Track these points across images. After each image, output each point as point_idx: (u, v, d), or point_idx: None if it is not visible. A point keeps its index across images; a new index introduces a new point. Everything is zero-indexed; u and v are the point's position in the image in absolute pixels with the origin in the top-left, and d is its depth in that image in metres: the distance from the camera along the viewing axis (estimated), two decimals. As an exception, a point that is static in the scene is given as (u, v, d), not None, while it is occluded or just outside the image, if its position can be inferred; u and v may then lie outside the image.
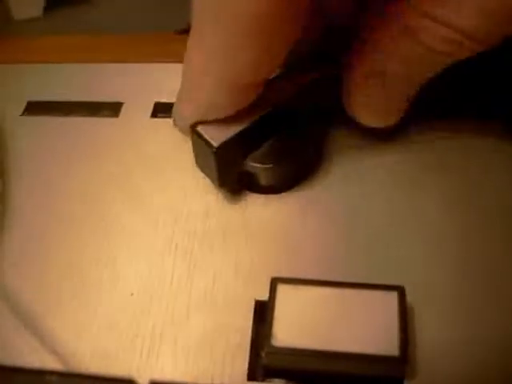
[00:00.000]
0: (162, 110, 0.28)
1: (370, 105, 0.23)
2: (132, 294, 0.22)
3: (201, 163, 0.24)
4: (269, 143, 0.24)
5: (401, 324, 0.19)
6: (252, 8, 0.18)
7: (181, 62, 0.26)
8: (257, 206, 0.24)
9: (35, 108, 0.30)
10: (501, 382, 0.19)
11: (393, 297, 0.19)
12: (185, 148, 0.26)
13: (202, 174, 0.24)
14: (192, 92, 0.21)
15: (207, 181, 0.24)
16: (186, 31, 0.32)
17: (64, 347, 0.21)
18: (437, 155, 0.25)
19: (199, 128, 0.22)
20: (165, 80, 0.29)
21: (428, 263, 0.22)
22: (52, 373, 0.16)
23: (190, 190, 0.25)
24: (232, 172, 0.24)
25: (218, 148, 0.22)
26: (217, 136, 0.22)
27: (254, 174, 0.24)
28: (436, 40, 0.19)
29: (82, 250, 0.24)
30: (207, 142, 0.22)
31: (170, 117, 0.27)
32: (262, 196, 0.24)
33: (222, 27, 0.19)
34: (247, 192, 0.24)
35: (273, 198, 0.24)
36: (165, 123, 0.28)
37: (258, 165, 0.23)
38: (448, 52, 0.20)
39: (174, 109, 0.23)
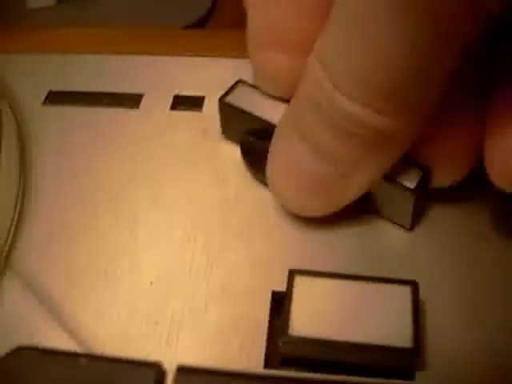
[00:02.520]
0: (180, 102, 0.29)
1: None
2: (151, 283, 0.23)
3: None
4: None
5: (413, 317, 0.19)
6: None
7: (197, 55, 0.27)
8: (275, 201, 0.25)
9: (57, 98, 0.30)
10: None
11: (406, 291, 0.20)
12: (203, 142, 0.26)
13: (220, 168, 0.25)
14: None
15: (225, 174, 0.25)
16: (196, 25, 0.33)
17: (86, 332, 0.22)
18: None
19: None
20: (183, 73, 0.30)
21: (440, 260, 0.23)
22: (84, 355, 0.16)
23: (208, 183, 0.26)
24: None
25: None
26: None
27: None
28: None
29: (103, 239, 0.24)
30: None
31: (187, 110, 0.28)
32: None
33: None
34: (265, 187, 0.25)
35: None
36: (183, 116, 0.28)
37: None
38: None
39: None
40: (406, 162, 0.22)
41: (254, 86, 0.25)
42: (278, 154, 0.23)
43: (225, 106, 0.25)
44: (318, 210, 0.23)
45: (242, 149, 0.25)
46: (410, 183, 0.22)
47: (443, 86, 0.20)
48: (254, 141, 0.25)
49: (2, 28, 0.35)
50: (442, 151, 0.22)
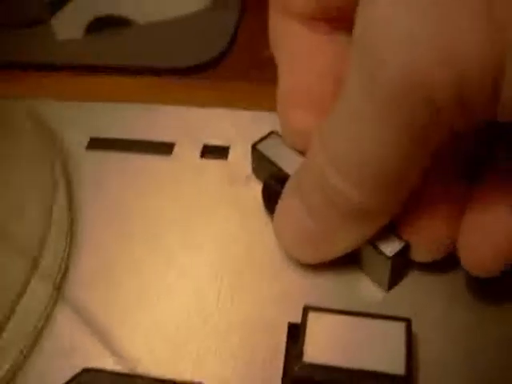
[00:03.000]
0: (209, 151, 0.33)
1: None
2: (188, 315, 0.27)
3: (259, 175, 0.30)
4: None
5: (407, 349, 0.23)
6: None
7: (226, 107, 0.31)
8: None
9: (97, 144, 0.34)
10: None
11: (401, 326, 0.24)
12: (228, 187, 0.30)
13: (244, 214, 0.29)
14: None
15: (249, 221, 0.29)
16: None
17: (129, 354, 0.26)
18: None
19: (259, 146, 0.30)
20: (211, 124, 0.34)
21: (432, 297, 0.27)
22: (140, 377, 0.20)
23: (232, 226, 0.29)
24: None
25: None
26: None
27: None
28: None
29: (142, 273, 0.28)
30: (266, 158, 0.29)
31: (216, 158, 0.32)
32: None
33: None
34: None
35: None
36: (212, 164, 0.32)
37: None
38: None
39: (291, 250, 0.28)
40: (391, 232, 0.26)
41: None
42: (283, 208, 0.27)
43: (255, 152, 0.30)
44: (311, 258, 0.27)
45: (263, 190, 0.29)
46: (390, 251, 0.25)
47: (418, 177, 0.23)
48: (273, 184, 0.29)
49: (44, 71, 0.39)
50: (421, 232, 0.25)
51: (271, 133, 0.30)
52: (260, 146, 0.29)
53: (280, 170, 0.28)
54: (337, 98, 0.23)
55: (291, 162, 0.28)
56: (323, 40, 0.27)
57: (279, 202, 0.27)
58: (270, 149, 0.29)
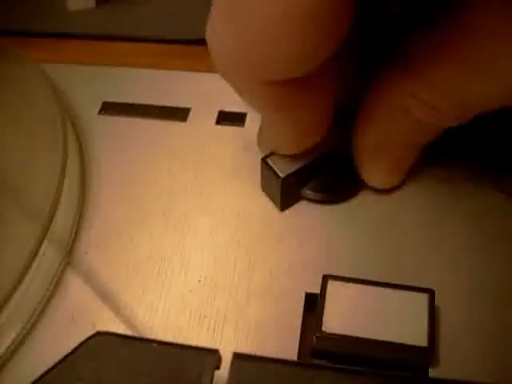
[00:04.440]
0: (224, 118, 0.32)
1: (375, 170, 0.27)
2: (199, 281, 0.26)
3: (266, 189, 0.28)
4: (322, 175, 0.28)
5: (429, 320, 0.22)
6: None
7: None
8: (310, 213, 0.28)
9: (110, 108, 0.33)
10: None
11: (424, 297, 0.23)
12: (245, 155, 0.30)
13: (259, 180, 0.28)
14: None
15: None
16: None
17: (140, 322, 0.25)
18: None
19: (269, 160, 0.27)
20: (228, 90, 0.33)
21: (455, 267, 0.26)
22: (155, 341, 0.19)
23: (249, 192, 0.29)
24: (292, 198, 0.28)
25: (284, 178, 0.26)
26: (283, 168, 0.27)
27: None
28: (423, 115, 0.23)
29: (154, 238, 0.28)
30: (275, 173, 0.26)
31: (231, 125, 0.31)
32: (317, 205, 0.28)
33: None
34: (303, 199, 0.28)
35: (324, 208, 0.28)
36: (227, 130, 0.31)
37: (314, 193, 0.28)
38: (434, 124, 0.24)
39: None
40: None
41: None
42: None
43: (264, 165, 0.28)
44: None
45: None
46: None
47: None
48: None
49: (57, 38, 0.38)
50: None
51: None
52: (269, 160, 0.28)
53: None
54: None
55: None
56: None
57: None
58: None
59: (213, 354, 0.19)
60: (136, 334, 0.24)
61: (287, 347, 0.24)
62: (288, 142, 0.26)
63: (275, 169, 0.27)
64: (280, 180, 0.26)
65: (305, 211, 0.28)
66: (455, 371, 0.23)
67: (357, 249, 0.27)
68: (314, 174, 0.28)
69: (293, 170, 0.27)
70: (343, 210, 0.28)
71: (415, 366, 0.23)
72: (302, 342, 0.24)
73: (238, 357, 0.19)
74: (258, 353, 0.23)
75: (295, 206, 0.28)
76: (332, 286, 0.23)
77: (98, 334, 0.20)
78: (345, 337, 0.22)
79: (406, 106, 0.23)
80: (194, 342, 0.24)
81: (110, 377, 0.19)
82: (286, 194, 0.27)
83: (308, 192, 0.28)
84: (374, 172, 0.27)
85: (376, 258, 0.26)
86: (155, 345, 0.19)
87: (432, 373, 0.23)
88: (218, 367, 0.19)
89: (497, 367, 0.23)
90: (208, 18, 0.21)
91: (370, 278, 0.24)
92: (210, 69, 0.33)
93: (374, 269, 0.26)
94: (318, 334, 0.22)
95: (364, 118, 0.26)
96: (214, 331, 0.25)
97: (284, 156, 0.27)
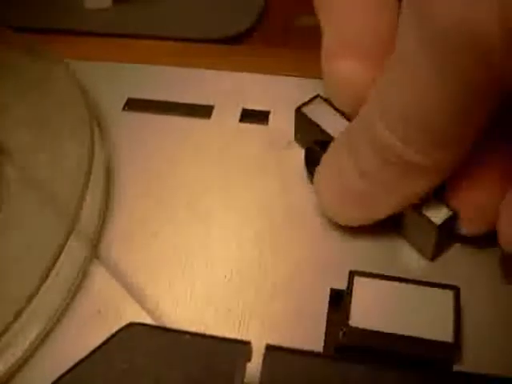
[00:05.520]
0: (248, 115, 0.32)
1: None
2: (225, 276, 0.26)
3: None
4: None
5: (455, 316, 0.23)
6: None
7: (262, 72, 0.30)
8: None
9: (134, 104, 0.34)
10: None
11: (450, 294, 0.23)
12: (268, 153, 0.30)
13: (283, 177, 0.29)
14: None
15: (289, 182, 0.29)
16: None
17: (166, 316, 0.25)
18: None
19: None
20: (251, 89, 0.33)
21: (477, 269, 0.26)
22: (187, 332, 0.20)
23: (274, 190, 0.29)
24: None
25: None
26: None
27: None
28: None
29: (179, 232, 0.28)
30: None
31: (254, 123, 0.31)
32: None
33: None
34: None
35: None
36: (251, 128, 0.32)
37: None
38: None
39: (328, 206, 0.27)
40: (439, 201, 0.25)
41: (330, 103, 0.29)
42: (328, 163, 0.26)
43: (299, 115, 0.29)
44: (353, 220, 0.26)
45: (305, 155, 0.29)
46: (438, 219, 0.25)
47: (475, 134, 0.22)
48: (317, 150, 0.28)
49: (76, 35, 0.38)
50: (469, 202, 0.25)
51: (316, 97, 0.29)
52: (305, 109, 0.29)
53: (325, 133, 0.27)
54: (386, 48, 0.23)
55: (337, 125, 0.27)
56: None
57: (323, 157, 0.27)
58: (314, 112, 0.28)
59: (245, 346, 0.19)
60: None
61: (311, 343, 0.24)
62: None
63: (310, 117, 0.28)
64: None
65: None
66: (479, 368, 0.23)
67: (380, 244, 0.27)
68: None
69: None
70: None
71: (440, 362, 0.23)
72: (326, 337, 0.24)
73: (270, 348, 0.19)
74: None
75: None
76: (358, 281, 0.24)
77: (131, 324, 0.20)
78: (371, 332, 0.23)
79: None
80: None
81: (141, 367, 0.19)
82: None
83: None
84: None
85: (401, 253, 0.26)
86: (188, 336, 0.19)
87: (456, 369, 0.23)
88: (249, 359, 0.19)
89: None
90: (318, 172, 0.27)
91: (394, 274, 0.24)
92: (232, 67, 0.33)
93: (398, 265, 0.26)
94: (344, 329, 0.23)
95: None
96: (239, 325, 0.25)
97: None
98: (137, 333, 0.20)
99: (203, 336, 0.19)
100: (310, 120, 0.28)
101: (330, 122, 0.28)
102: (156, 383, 0.19)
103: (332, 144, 0.26)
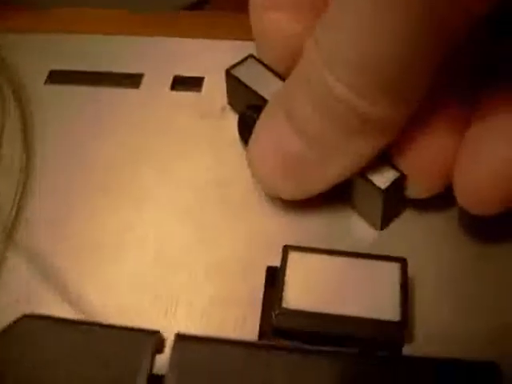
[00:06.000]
0: (180, 83, 0.30)
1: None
2: (155, 258, 0.24)
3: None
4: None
5: (402, 292, 0.20)
6: None
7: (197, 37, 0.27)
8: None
9: (58, 77, 0.31)
10: (493, 346, 0.21)
11: (396, 267, 0.21)
12: (202, 122, 0.27)
13: (218, 147, 0.26)
14: None
15: (223, 153, 0.26)
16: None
17: (89, 302, 0.23)
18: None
19: None
20: (181, 54, 0.30)
21: (429, 240, 0.24)
22: (86, 322, 0.17)
23: (207, 162, 0.26)
24: None
25: None
26: None
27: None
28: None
29: (106, 213, 0.25)
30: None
31: (187, 90, 0.28)
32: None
33: None
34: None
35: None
36: (183, 96, 0.29)
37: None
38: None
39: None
40: (385, 164, 0.23)
41: (263, 64, 0.26)
42: (262, 128, 0.24)
43: (230, 78, 0.26)
44: (290, 192, 0.24)
45: (239, 122, 0.26)
46: (383, 184, 0.22)
47: (430, 81, 0.20)
48: (250, 115, 0.25)
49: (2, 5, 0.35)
50: (416, 161, 0.22)
51: (248, 57, 0.26)
52: (235, 71, 0.26)
53: (258, 96, 0.25)
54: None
55: (271, 86, 0.25)
56: None
57: (258, 122, 0.24)
58: (246, 74, 0.26)
59: (152, 336, 0.16)
60: (83, 316, 0.22)
61: (247, 327, 0.22)
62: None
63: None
64: None
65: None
66: (430, 347, 0.21)
67: (321, 218, 0.24)
68: None
69: None
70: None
71: (388, 343, 0.21)
72: (262, 320, 0.22)
73: (180, 338, 0.16)
74: (217, 334, 0.21)
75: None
76: (294, 257, 0.21)
77: (26, 317, 0.17)
78: (308, 313, 0.20)
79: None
80: (146, 324, 0.22)
81: (35, 361, 0.17)
82: None
83: None
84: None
85: (345, 228, 0.24)
86: (85, 326, 0.17)
87: (406, 350, 0.21)
88: (159, 350, 0.17)
89: (469, 339, 0.21)
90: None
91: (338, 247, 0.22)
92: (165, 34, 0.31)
93: (341, 240, 0.23)
94: (277, 311, 0.20)
95: None
96: (167, 311, 0.22)
97: None
98: (33, 326, 0.17)
99: (106, 326, 0.17)
100: (242, 82, 0.25)
101: (263, 83, 0.25)
102: (52, 378, 0.16)
103: (266, 107, 0.24)
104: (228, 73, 0.26)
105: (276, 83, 0.25)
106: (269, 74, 0.25)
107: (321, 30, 0.20)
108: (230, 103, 0.27)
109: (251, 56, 0.26)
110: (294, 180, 0.23)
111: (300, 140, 0.22)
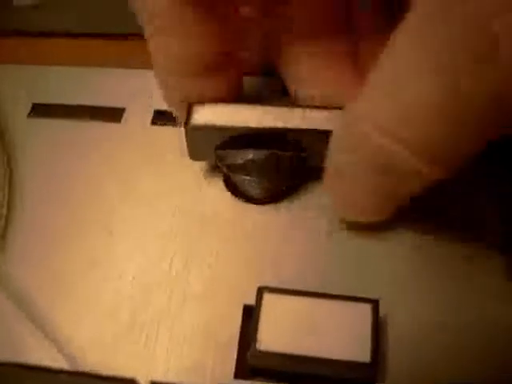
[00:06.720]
0: (161, 117, 0.30)
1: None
2: (132, 284, 0.24)
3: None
4: (256, 155, 0.25)
5: (373, 334, 0.21)
6: None
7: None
8: (249, 214, 0.26)
9: (40, 110, 0.31)
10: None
11: (367, 308, 0.21)
12: (183, 158, 0.27)
13: (199, 184, 0.27)
14: None
15: (204, 188, 0.27)
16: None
17: (62, 335, 0.23)
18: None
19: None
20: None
21: (401, 277, 0.24)
22: (60, 371, 0.17)
23: (187, 197, 0.27)
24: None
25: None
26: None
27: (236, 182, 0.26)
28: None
29: (83, 240, 0.26)
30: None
31: (168, 124, 0.29)
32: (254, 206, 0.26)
33: None
34: (243, 203, 0.26)
35: (264, 209, 0.26)
36: (164, 131, 0.29)
37: (241, 175, 0.25)
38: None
39: None
40: None
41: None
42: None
43: (193, 130, 0.25)
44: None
45: (224, 177, 0.27)
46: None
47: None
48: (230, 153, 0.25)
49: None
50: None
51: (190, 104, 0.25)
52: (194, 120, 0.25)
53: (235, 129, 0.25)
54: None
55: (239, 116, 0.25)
56: None
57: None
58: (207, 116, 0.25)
59: (127, 385, 0.17)
60: (57, 349, 0.22)
61: (223, 365, 0.22)
62: None
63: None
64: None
65: (246, 215, 0.26)
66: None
67: (296, 256, 0.25)
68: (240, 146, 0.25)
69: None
70: (290, 211, 0.26)
71: (361, 382, 0.21)
72: (239, 359, 0.22)
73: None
74: (193, 373, 0.22)
75: (235, 209, 0.26)
76: (268, 298, 0.22)
77: None
78: (281, 354, 0.21)
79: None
80: (124, 356, 0.22)
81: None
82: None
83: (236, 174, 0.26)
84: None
85: (319, 267, 0.24)
86: (63, 375, 0.17)
87: (379, 388, 0.21)
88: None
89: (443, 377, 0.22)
90: None
91: (312, 288, 0.22)
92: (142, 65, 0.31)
93: (316, 279, 0.24)
94: (252, 352, 0.21)
95: None
96: (143, 348, 0.23)
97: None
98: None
99: (79, 374, 0.17)
100: (210, 126, 0.25)
101: (230, 116, 0.25)
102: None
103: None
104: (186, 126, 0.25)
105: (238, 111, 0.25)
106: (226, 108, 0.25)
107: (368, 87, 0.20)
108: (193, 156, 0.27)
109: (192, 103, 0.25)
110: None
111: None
